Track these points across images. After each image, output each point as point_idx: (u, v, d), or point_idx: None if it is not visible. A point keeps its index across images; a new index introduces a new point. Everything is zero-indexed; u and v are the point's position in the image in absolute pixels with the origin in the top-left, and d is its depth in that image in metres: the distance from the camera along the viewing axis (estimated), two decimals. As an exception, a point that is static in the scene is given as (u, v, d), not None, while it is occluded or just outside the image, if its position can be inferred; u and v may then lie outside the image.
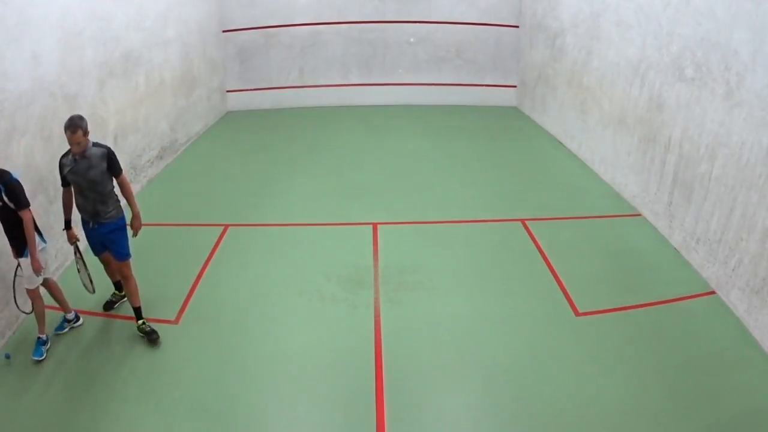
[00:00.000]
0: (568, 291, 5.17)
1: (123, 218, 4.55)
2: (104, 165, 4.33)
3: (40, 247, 4.21)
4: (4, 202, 3.99)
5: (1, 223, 4.18)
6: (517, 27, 10.62)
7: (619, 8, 6.93)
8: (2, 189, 3.95)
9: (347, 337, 4.59)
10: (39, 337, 4.41)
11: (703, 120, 5.30)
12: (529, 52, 10.28)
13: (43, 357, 4.34)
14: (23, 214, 4.04)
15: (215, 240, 6.07)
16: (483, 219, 6.57)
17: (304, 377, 4.19)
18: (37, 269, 4.16)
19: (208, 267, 5.58)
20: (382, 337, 4.57)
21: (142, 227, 4.62)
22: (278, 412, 3.91)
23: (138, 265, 5.59)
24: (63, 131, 4.12)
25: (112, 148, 4.52)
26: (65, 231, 4.56)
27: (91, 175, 4.29)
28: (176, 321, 4.82)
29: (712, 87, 5.14)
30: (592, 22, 7.72)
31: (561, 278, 5.36)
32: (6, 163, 4.60)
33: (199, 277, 5.41)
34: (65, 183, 4.39)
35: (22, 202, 4.02)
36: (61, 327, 4.65)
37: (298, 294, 5.18)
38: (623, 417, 3.80)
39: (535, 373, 4.20)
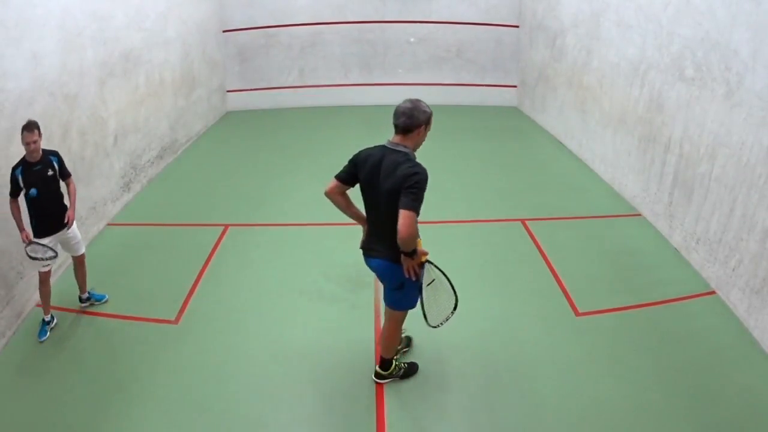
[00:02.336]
0: (568, 291, 5.17)
1: None
2: None
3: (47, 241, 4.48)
4: (55, 172, 4.45)
5: (37, 206, 4.38)
6: (517, 27, 10.61)
7: (619, 8, 6.92)
8: (56, 159, 4.49)
9: (347, 337, 4.59)
10: (44, 319, 4.59)
11: (703, 120, 5.30)
12: (529, 52, 10.27)
13: (46, 336, 4.56)
14: (71, 181, 4.61)
15: (215, 240, 6.07)
16: (483, 219, 6.58)
17: (304, 377, 4.19)
18: (72, 218, 4.54)
19: (208, 267, 5.58)
20: (382, 337, 4.57)
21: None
22: (278, 412, 3.90)
23: (138, 265, 5.62)
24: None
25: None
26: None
27: None
28: (176, 321, 4.82)
29: (712, 87, 5.14)
30: (592, 22, 7.71)
31: (561, 278, 5.35)
32: (6, 163, 4.61)
33: (199, 277, 5.41)
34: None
35: (67, 170, 4.60)
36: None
37: (298, 294, 5.18)
38: (623, 417, 3.79)
39: (534, 372, 4.20)
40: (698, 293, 5.13)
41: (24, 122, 4.28)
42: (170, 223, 6.49)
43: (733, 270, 4.86)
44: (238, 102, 10.92)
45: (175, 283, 5.29)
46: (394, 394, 4.01)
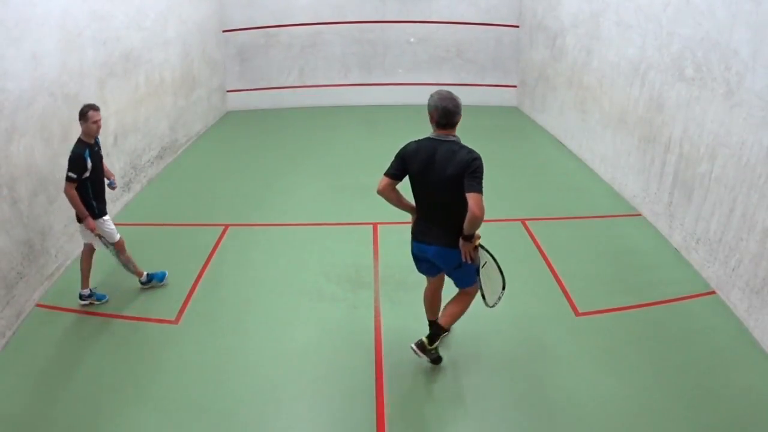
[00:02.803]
0: (568, 291, 5.17)
1: None
2: None
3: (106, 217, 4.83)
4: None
5: (95, 186, 4.59)
6: (517, 27, 10.62)
7: (619, 8, 6.93)
8: (99, 142, 4.67)
9: (347, 337, 4.59)
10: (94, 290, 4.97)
11: (703, 120, 5.30)
12: (529, 52, 10.28)
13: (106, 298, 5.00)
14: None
15: (215, 240, 6.07)
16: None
17: (304, 377, 4.19)
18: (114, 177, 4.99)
19: (208, 267, 5.58)
20: (382, 337, 4.57)
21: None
22: (278, 412, 3.91)
23: (139, 265, 5.61)
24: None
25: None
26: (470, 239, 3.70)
27: None
28: (176, 321, 4.82)
29: (712, 87, 5.14)
30: (592, 22, 7.72)
31: (561, 278, 5.36)
32: (6, 162, 4.61)
33: (199, 277, 5.41)
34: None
35: None
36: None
37: (298, 294, 5.18)
38: (623, 417, 3.80)
39: (534, 372, 4.20)
40: (698, 293, 5.12)
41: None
42: (170, 223, 6.49)
43: (733, 270, 4.86)
44: (238, 102, 10.92)
45: (175, 283, 5.29)
46: (394, 394, 4.01)
